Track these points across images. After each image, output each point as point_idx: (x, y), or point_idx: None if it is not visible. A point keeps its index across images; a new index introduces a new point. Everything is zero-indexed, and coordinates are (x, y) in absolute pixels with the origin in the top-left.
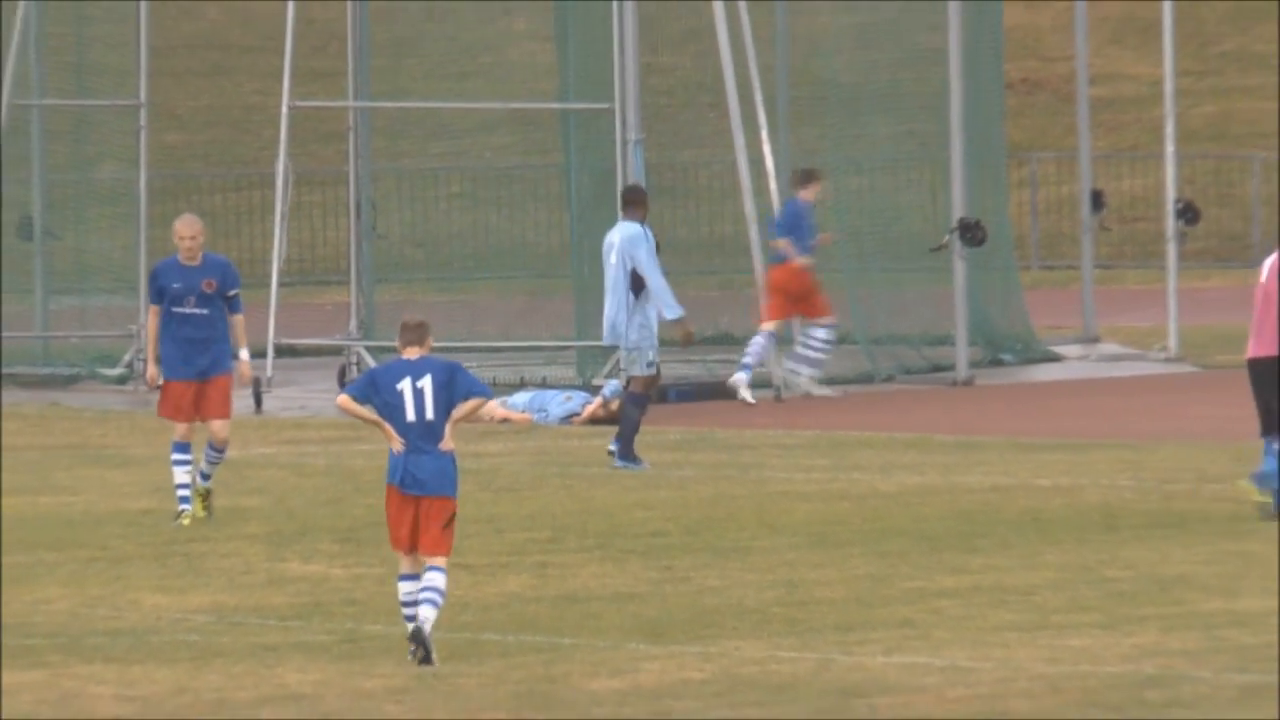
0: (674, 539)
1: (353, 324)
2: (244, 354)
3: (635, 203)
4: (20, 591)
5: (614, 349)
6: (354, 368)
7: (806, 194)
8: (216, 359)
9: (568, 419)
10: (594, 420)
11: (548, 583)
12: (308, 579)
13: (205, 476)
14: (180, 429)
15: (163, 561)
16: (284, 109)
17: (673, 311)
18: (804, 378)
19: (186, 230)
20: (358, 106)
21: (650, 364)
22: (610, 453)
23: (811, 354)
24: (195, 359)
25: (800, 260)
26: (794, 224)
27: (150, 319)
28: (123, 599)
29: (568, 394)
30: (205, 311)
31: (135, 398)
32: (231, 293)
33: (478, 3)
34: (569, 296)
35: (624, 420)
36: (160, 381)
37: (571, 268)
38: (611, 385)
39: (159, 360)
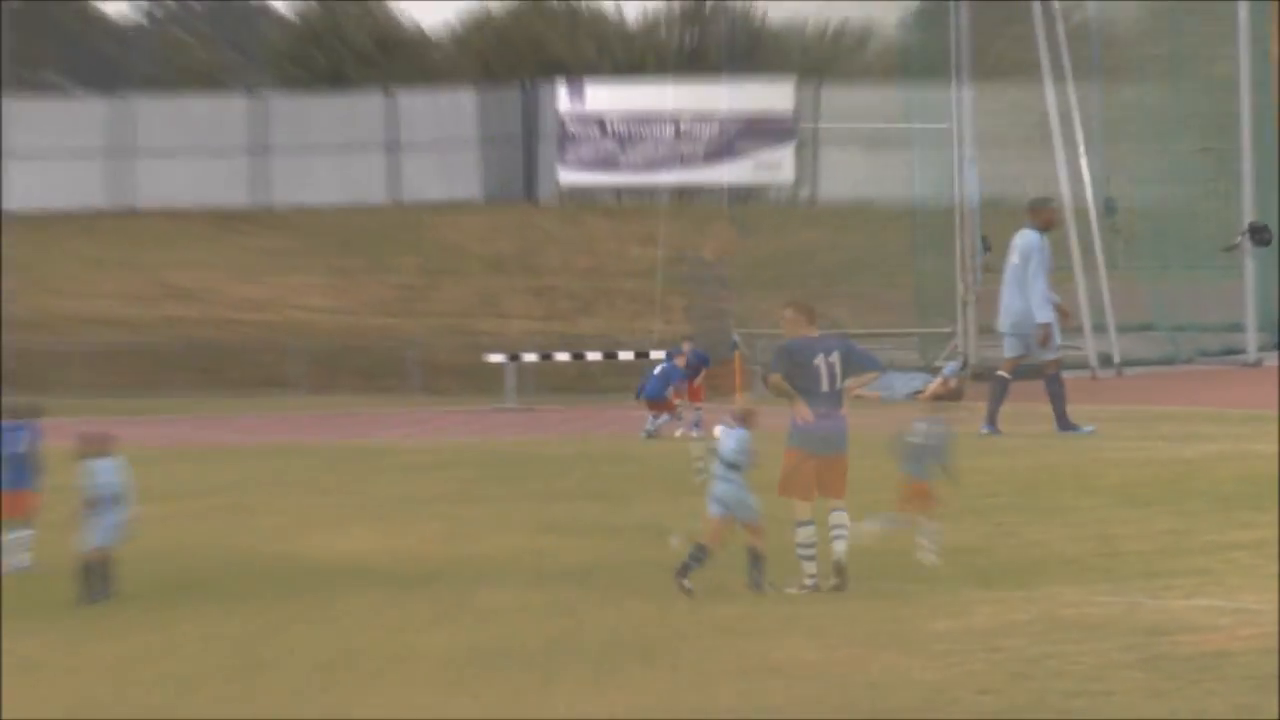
0: (1003, 499)
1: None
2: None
3: (1033, 213)
4: None
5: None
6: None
7: None
8: None
9: (912, 395)
10: (936, 397)
11: (895, 537)
12: None
13: None
14: None
15: None
16: None
17: (1042, 315)
18: None
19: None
20: None
21: (1029, 350)
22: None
23: None
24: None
25: None
26: None
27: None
28: None
29: (911, 374)
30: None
31: None
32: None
33: None
34: (909, 292)
35: (991, 395)
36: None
37: (914, 267)
38: (950, 366)
39: None
